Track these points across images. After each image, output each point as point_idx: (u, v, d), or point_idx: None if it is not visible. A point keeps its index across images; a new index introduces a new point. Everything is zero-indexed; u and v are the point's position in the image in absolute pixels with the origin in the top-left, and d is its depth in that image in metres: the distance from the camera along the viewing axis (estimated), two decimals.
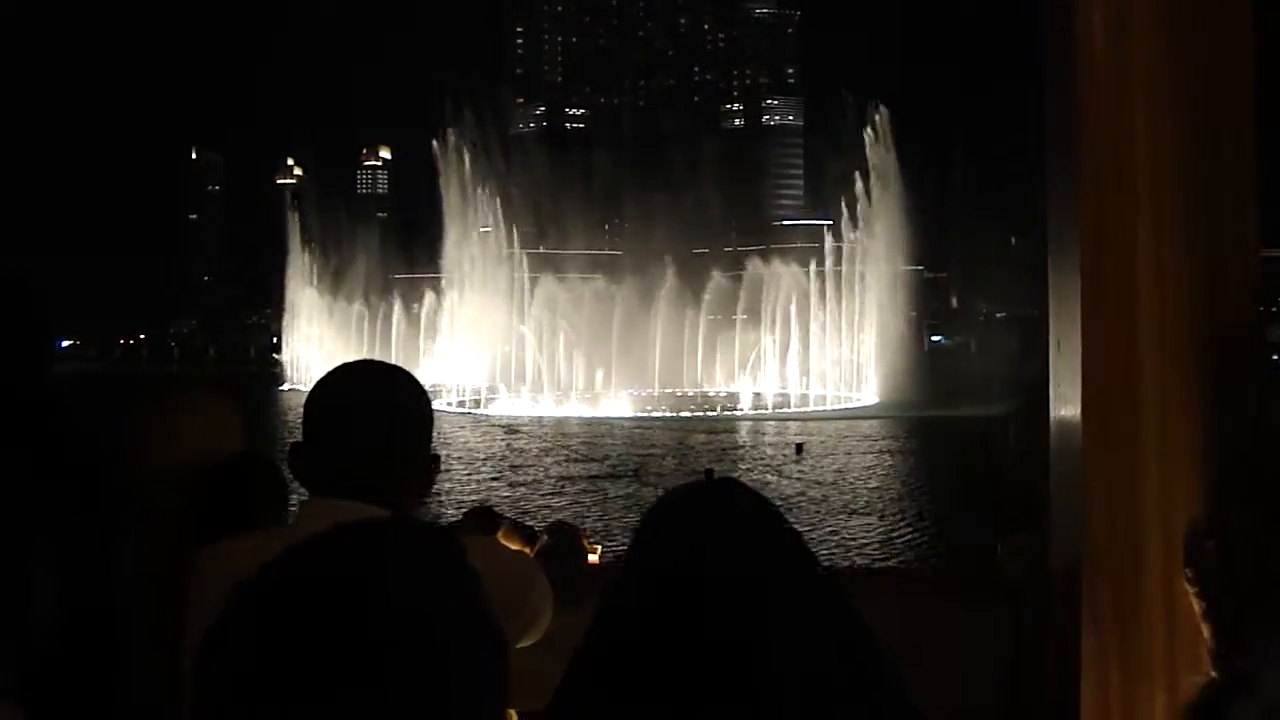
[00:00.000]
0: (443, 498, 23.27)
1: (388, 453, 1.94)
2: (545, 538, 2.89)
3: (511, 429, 43.28)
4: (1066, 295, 2.14)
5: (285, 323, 79.51)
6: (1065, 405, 2.12)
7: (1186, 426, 2.05)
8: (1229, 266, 2.10)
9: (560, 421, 46.81)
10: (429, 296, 72.29)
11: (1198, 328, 2.08)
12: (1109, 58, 2.05)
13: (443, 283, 70.62)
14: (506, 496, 24.84)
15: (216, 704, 0.95)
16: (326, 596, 0.96)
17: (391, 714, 0.92)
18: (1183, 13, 2.08)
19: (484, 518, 3.01)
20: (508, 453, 34.48)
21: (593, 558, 3.11)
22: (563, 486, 26.87)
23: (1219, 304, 2.09)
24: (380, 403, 1.97)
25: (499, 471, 29.87)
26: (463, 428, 42.64)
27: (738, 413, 51.17)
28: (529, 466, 31.05)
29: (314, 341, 74.10)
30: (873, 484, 27.38)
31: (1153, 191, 2.07)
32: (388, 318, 73.49)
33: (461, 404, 55.10)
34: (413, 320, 72.17)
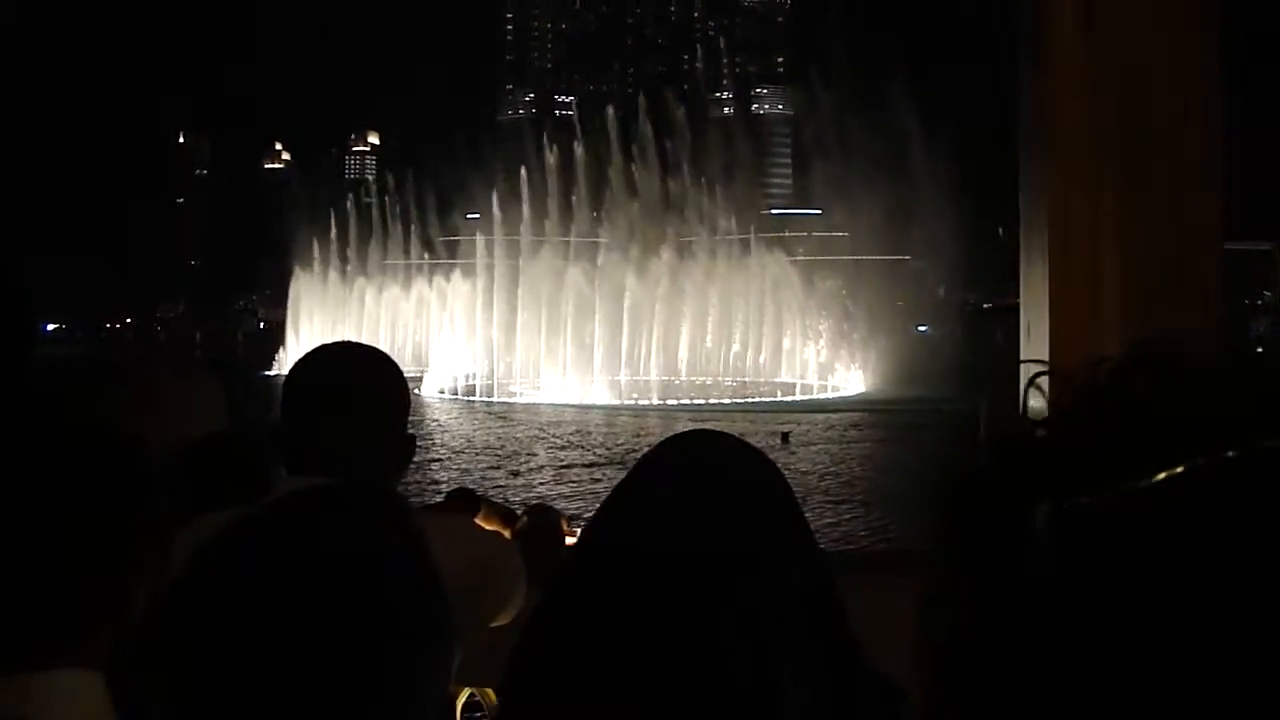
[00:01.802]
0: (442, 487, 23.24)
1: (359, 431, 1.97)
2: (525, 519, 2.92)
3: (500, 415, 43.26)
4: (1037, 282, 2.18)
5: (271, 308, 79.34)
6: (1035, 395, 2.16)
7: None
8: (1195, 257, 2.14)
9: (548, 408, 46.80)
10: (416, 282, 72.20)
11: (1163, 316, 2.13)
12: (1077, 53, 2.09)
13: (430, 269, 70.51)
14: (504, 486, 24.77)
15: (174, 664, 0.99)
16: (259, 561, 0.99)
17: (319, 668, 0.96)
18: (1152, 7, 2.12)
19: (465, 498, 3.05)
20: (505, 441, 34.41)
21: (571, 540, 3.14)
22: (561, 475, 26.84)
23: (1185, 293, 2.13)
24: (352, 383, 2.00)
25: (497, 460, 29.80)
26: (455, 416, 42.54)
27: (725, 401, 51.23)
28: (526, 455, 31.00)
29: (303, 326, 73.97)
30: (859, 472, 27.47)
31: (1120, 184, 2.11)
32: (375, 303, 73.35)
33: (454, 391, 54.97)
34: (401, 306, 72.03)
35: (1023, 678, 0.45)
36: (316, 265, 78.66)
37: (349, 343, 2.17)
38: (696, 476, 1.29)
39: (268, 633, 0.95)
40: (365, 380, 2.04)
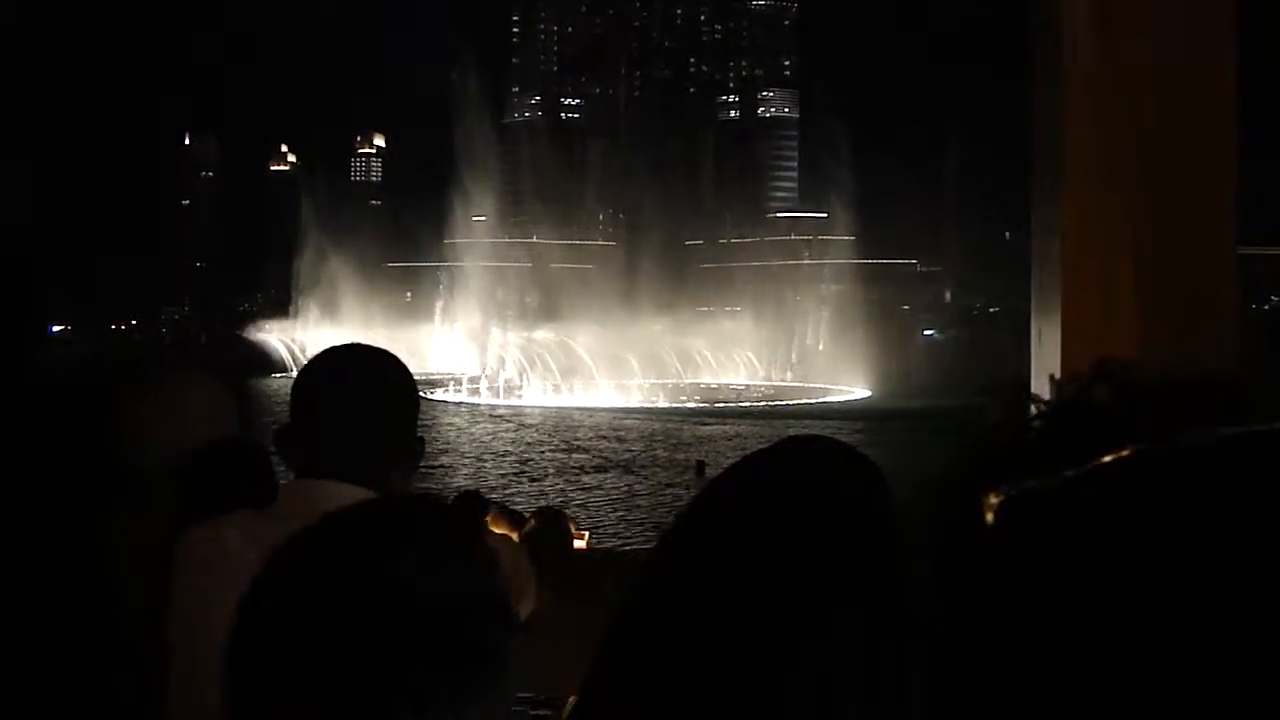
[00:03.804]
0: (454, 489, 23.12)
1: (364, 433, 1.96)
2: (532, 522, 2.92)
3: (503, 418, 43.23)
4: (1048, 289, 2.18)
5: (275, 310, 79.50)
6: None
7: None
8: (1209, 263, 2.14)
9: (555, 412, 46.78)
10: (423, 285, 72.32)
11: (1176, 323, 2.12)
12: (1093, 55, 2.09)
13: (437, 272, 70.60)
14: (524, 490, 24.67)
15: (249, 671, 1.01)
16: (351, 574, 1.00)
17: (405, 688, 0.97)
18: (1166, 9, 2.12)
19: (472, 502, 3.05)
20: (516, 447, 34.25)
21: (579, 543, 3.15)
22: (578, 478, 26.77)
23: (1198, 300, 2.13)
24: (356, 384, 2.00)
25: (512, 465, 29.68)
26: (474, 421, 42.43)
27: (731, 405, 51.20)
28: (542, 461, 30.87)
29: (306, 329, 74.08)
30: None
31: (1134, 188, 2.10)
32: (383, 305, 73.51)
33: (472, 392, 54.85)
34: (406, 308, 72.18)
35: (983, 659, 0.49)
36: (321, 267, 78.79)
37: (354, 344, 2.18)
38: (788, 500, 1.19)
39: (342, 637, 0.98)
40: (363, 379, 2.03)
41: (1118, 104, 2.16)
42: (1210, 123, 2.18)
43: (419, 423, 2.14)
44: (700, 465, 28.42)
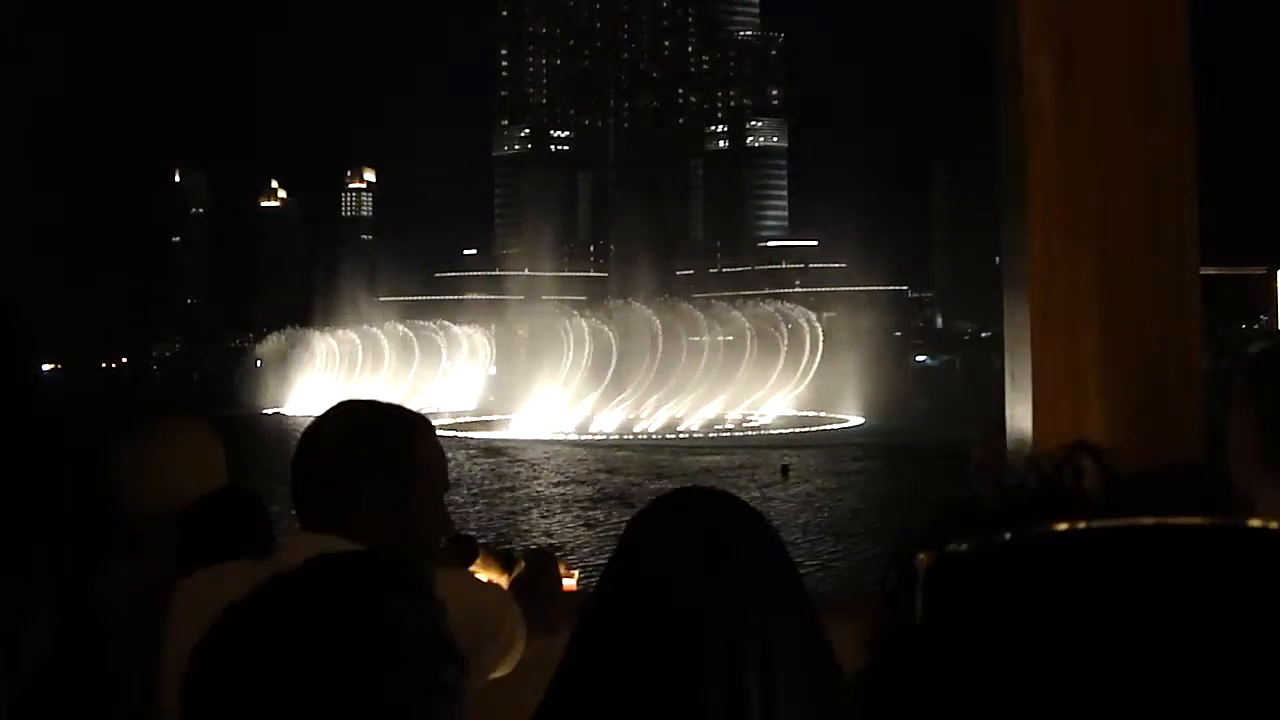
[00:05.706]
0: (470, 531, 22.96)
1: (375, 495, 1.98)
2: (522, 564, 2.95)
3: (499, 452, 43.17)
4: (1019, 327, 2.24)
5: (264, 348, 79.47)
6: (1019, 436, 2.24)
7: (1133, 455, 2.11)
8: (1173, 297, 2.20)
9: (551, 446, 46.71)
10: (415, 319, 72.32)
11: (1142, 358, 2.18)
12: (1055, 99, 2.16)
13: (429, 305, 70.63)
14: (528, 526, 24.62)
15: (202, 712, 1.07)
16: (286, 620, 1.08)
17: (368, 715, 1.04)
18: (1126, 52, 2.18)
19: (463, 546, 3.07)
20: (515, 482, 34.13)
21: (569, 583, 3.17)
22: (582, 513, 26.77)
23: (1163, 335, 2.19)
24: (360, 443, 2.01)
25: (515, 503, 29.58)
26: (471, 456, 42.31)
27: (725, 435, 51.20)
28: (541, 497, 30.75)
29: (297, 366, 74.01)
30: (859, 505, 27.44)
31: (1099, 228, 2.17)
32: (374, 341, 73.49)
33: (461, 426, 54.72)
34: (400, 343, 72.14)
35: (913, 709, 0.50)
36: (313, 302, 78.81)
37: (358, 400, 2.18)
38: (684, 535, 1.48)
39: (282, 695, 1.03)
40: (385, 441, 2.04)
41: (1081, 148, 2.23)
42: (1171, 162, 2.25)
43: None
44: (785, 469, 32.85)
